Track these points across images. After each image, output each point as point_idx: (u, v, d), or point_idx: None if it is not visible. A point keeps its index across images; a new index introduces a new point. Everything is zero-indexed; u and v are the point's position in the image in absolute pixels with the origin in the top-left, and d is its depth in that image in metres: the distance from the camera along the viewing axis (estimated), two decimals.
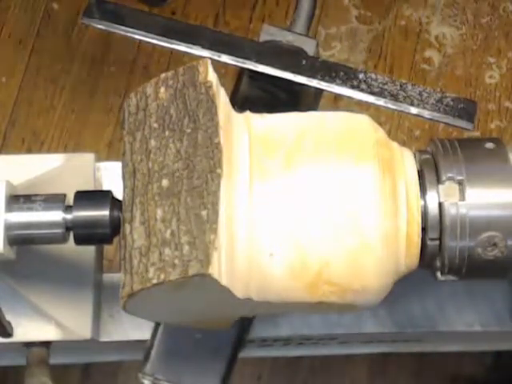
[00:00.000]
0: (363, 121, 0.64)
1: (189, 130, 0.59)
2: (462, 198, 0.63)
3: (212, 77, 0.62)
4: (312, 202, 0.60)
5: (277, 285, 0.60)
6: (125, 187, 0.60)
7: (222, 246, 0.57)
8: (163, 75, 0.62)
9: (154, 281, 0.57)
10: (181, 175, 0.59)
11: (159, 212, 0.58)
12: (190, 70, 0.62)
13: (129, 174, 0.60)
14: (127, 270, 0.58)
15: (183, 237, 0.57)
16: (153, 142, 0.60)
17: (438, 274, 0.65)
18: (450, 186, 0.63)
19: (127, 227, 0.59)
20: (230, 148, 0.60)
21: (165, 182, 0.59)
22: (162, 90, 0.62)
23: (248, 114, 0.64)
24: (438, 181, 0.63)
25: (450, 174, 0.63)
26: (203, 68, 0.62)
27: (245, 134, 0.62)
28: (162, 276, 0.57)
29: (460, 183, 0.63)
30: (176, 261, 0.57)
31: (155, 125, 0.61)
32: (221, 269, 0.57)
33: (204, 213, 0.57)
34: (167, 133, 0.60)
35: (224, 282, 0.57)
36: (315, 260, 0.59)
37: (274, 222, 0.59)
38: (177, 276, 0.56)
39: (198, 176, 0.58)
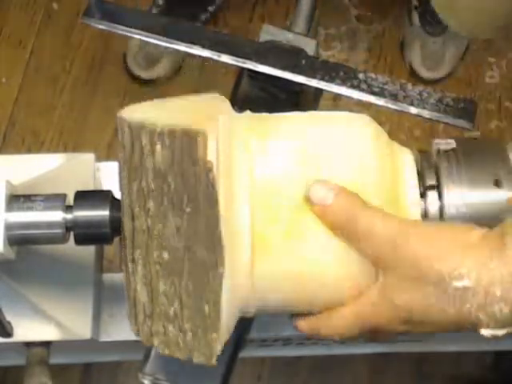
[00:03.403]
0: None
1: (188, 210, 0.58)
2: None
3: (212, 155, 0.57)
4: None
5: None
6: (124, 224, 0.60)
7: (223, 334, 0.59)
8: (158, 129, 0.57)
9: (159, 350, 0.61)
10: (182, 256, 0.58)
11: (161, 285, 0.59)
12: (188, 137, 0.57)
13: (128, 216, 0.60)
14: (132, 313, 0.61)
15: (186, 323, 0.59)
16: (151, 203, 0.59)
17: None
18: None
19: (129, 265, 0.60)
20: (231, 221, 0.59)
21: (165, 255, 0.59)
22: (158, 147, 0.57)
23: (248, 158, 0.61)
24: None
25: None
26: (202, 142, 0.56)
27: (246, 206, 0.60)
28: (167, 351, 0.60)
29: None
30: (180, 343, 0.59)
31: (152, 185, 0.58)
32: (222, 345, 0.59)
33: (206, 308, 0.58)
34: (166, 202, 0.58)
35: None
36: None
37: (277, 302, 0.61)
38: (181, 357, 0.60)
39: (200, 264, 0.58)
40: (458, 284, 0.54)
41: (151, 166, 0.58)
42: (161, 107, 0.62)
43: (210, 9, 1.65)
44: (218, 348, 0.58)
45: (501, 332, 0.55)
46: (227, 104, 0.63)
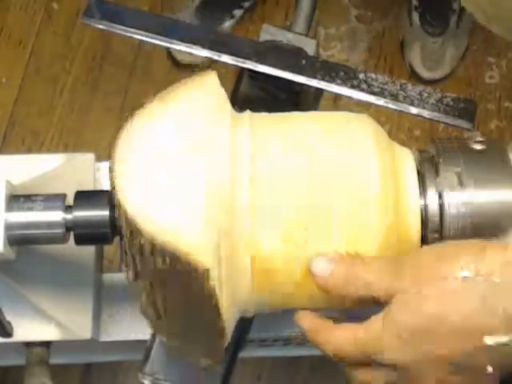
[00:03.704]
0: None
1: (193, 319, 0.60)
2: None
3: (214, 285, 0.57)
4: None
5: None
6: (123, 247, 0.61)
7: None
8: (158, 246, 0.56)
9: None
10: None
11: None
12: (185, 273, 0.56)
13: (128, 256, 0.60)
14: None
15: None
16: (154, 283, 0.59)
17: None
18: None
19: (130, 274, 0.61)
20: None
21: (175, 326, 0.61)
22: (159, 260, 0.57)
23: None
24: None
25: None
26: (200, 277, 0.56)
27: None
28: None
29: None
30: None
31: (152, 275, 0.58)
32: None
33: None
34: (168, 295, 0.59)
35: None
36: None
37: None
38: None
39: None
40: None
41: (151, 267, 0.58)
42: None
43: (245, 4, 1.66)
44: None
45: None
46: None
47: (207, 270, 0.55)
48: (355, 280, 0.58)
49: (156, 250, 0.56)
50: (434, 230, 0.63)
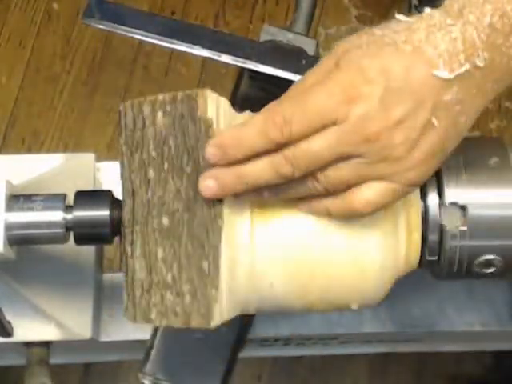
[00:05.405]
0: None
1: (189, 170, 0.59)
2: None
3: (211, 112, 0.59)
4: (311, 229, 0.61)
5: (276, 304, 0.62)
6: (124, 204, 0.61)
7: (223, 297, 0.58)
8: (160, 97, 0.60)
9: (157, 323, 0.59)
10: (181, 217, 0.59)
11: (160, 251, 0.59)
12: (188, 99, 0.60)
13: (127, 193, 0.61)
14: (129, 297, 0.60)
15: (184, 285, 0.59)
16: (151, 172, 0.60)
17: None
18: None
19: (128, 249, 0.60)
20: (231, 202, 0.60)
21: (165, 220, 0.60)
22: (160, 114, 0.60)
23: None
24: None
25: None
26: (202, 101, 0.59)
27: None
28: (164, 321, 0.59)
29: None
30: (178, 309, 0.59)
31: (153, 153, 0.60)
32: (223, 316, 0.59)
33: (205, 265, 0.58)
34: (166, 166, 0.60)
35: (226, 317, 0.59)
36: (315, 288, 0.61)
37: (275, 257, 0.60)
38: (178, 324, 0.59)
39: (199, 223, 0.59)
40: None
41: (152, 135, 0.60)
42: None
43: None
44: (217, 311, 0.58)
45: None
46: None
47: (205, 96, 0.59)
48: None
49: (158, 105, 0.61)
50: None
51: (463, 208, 0.62)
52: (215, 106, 0.59)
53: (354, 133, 0.54)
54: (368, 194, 0.56)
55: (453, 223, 0.63)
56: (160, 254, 0.59)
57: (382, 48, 0.55)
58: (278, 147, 0.55)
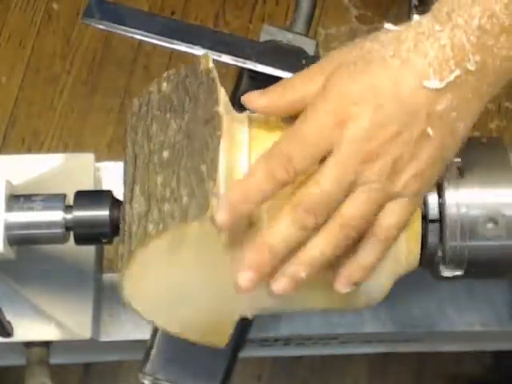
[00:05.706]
0: None
1: (190, 108, 0.60)
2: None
3: (213, 65, 0.63)
4: None
5: None
6: (126, 174, 0.61)
7: (219, 190, 0.57)
8: (165, 73, 0.64)
9: (153, 232, 0.57)
10: (181, 146, 0.59)
11: (159, 179, 0.59)
12: (192, 64, 0.63)
13: (130, 160, 0.61)
14: (126, 240, 0.58)
15: (183, 191, 0.57)
16: (154, 127, 0.61)
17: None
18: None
19: (127, 206, 0.59)
20: (229, 119, 0.60)
21: (165, 154, 0.59)
22: (165, 84, 0.63)
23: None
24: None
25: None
26: (204, 60, 0.63)
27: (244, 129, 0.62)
28: (161, 226, 0.56)
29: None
30: (176, 213, 0.57)
31: (157, 112, 0.62)
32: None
33: (203, 167, 0.57)
34: (168, 115, 0.61)
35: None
36: None
37: None
38: (176, 224, 0.56)
39: (198, 141, 0.59)
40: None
41: (156, 100, 0.62)
42: None
43: None
44: (214, 202, 0.56)
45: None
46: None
47: (208, 56, 0.64)
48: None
49: (163, 78, 0.65)
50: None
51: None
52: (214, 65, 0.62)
53: (350, 156, 0.54)
54: (390, 220, 0.56)
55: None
56: (159, 180, 0.58)
57: (369, 65, 0.55)
58: (284, 187, 0.55)
